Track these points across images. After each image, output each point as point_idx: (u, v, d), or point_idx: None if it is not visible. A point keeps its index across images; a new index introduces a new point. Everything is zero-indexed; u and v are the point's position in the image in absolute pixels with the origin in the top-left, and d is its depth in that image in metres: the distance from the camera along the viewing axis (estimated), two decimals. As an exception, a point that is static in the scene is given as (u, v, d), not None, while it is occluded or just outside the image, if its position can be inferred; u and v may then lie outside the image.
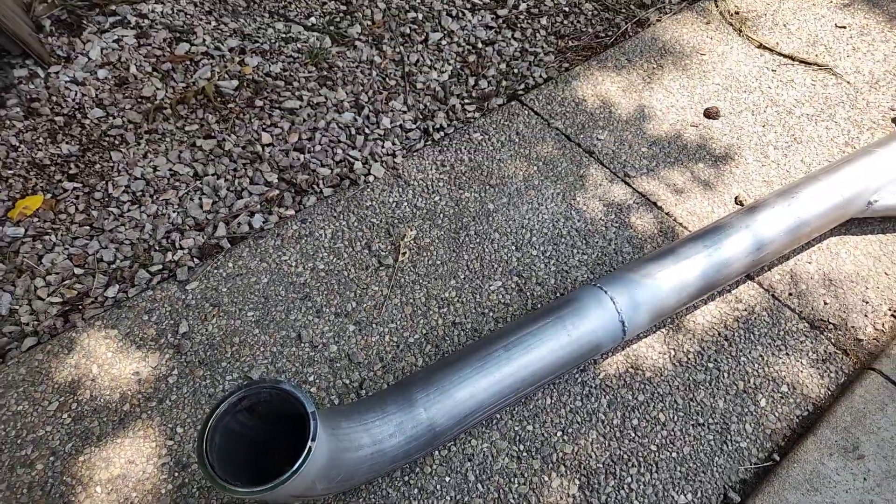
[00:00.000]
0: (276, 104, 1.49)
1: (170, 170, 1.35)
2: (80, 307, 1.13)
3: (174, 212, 1.29)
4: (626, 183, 1.40)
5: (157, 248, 1.23)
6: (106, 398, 1.02)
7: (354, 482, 0.88)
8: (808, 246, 1.29)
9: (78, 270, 1.18)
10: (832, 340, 1.17)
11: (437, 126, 1.51)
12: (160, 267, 1.21)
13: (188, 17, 1.66)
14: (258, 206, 1.30)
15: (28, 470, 0.94)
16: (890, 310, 1.21)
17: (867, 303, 1.22)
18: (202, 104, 1.47)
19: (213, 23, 1.65)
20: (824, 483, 0.97)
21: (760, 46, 1.72)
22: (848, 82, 1.64)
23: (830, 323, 1.19)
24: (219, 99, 1.48)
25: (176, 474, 0.95)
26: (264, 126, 1.43)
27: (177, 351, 1.07)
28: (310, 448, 0.70)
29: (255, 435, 0.81)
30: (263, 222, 1.28)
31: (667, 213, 1.34)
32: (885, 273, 1.26)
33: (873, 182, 1.24)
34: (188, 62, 1.55)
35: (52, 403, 1.01)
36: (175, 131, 1.42)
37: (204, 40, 1.60)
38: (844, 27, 1.80)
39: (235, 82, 1.51)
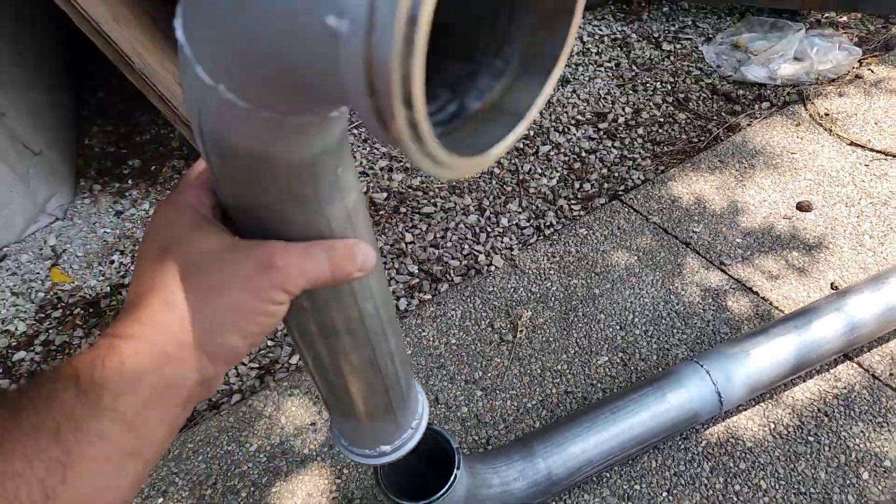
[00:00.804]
0: (416, 210, 1.83)
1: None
2: (272, 371, 1.45)
3: (337, 297, 1.62)
4: (722, 270, 1.55)
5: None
6: (291, 443, 1.30)
7: (486, 516, 1.07)
8: (909, 329, 1.35)
9: (270, 342, 1.52)
10: (938, 419, 1.21)
11: (548, 223, 1.77)
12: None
13: (351, 145, 2.10)
14: (402, 292, 1.60)
15: (235, 497, 1.23)
16: None
17: (976, 384, 1.25)
18: (357, 212, 1.84)
19: (368, 148, 2.07)
20: (932, 554, 1.01)
21: (852, 144, 1.85)
22: (947, 173, 1.71)
23: (936, 403, 1.23)
24: (372, 207, 1.85)
25: (343, 504, 1.19)
26: (407, 228, 1.77)
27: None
28: (455, 475, 0.91)
29: (409, 466, 1.04)
30: (407, 305, 1.57)
31: (762, 298, 1.47)
32: None
33: (971, 268, 1.31)
34: (346, 179, 1.96)
35: (252, 445, 1.31)
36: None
37: (361, 162, 2.01)
38: (941, 121, 1.88)
39: (385, 194, 1.89)
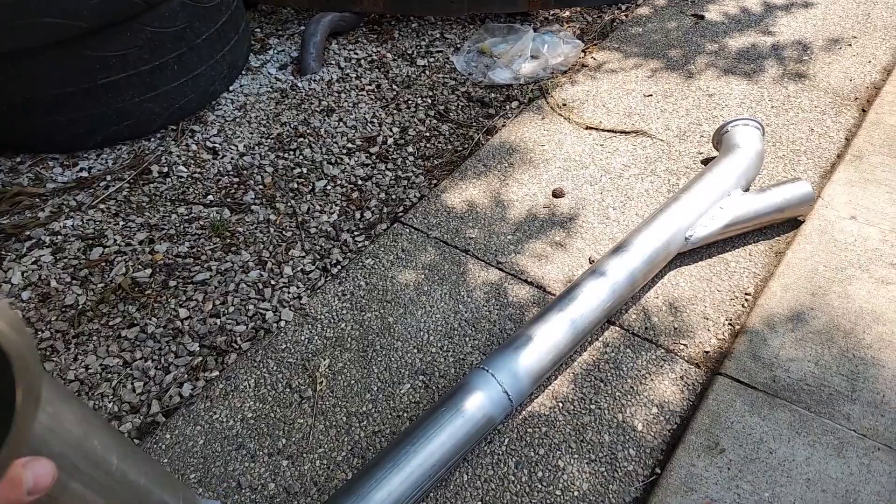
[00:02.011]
0: (189, 280, 1.69)
1: (101, 365, 1.51)
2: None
3: (110, 402, 1.43)
4: (499, 268, 1.64)
5: (102, 437, 1.37)
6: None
7: None
8: (653, 283, 1.55)
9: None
10: (685, 358, 1.39)
11: (334, 262, 1.74)
12: (107, 454, 1.34)
13: (97, 223, 1.87)
14: (185, 376, 1.46)
15: None
16: (726, 320, 1.46)
17: (707, 318, 1.46)
18: (122, 298, 1.65)
19: (122, 222, 1.87)
20: (697, 482, 1.15)
21: (587, 128, 2.07)
22: (661, 140, 1.99)
23: (681, 343, 1.42)
24: (136, 289, 1.67)
25: None
26: (180, 302, 1.63)
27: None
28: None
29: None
30: (192, 389, 1.44)
31: (536, 286, 1.58)
32: (717, 290, 1.52)
33: (685, 221, 1.53)
34: (103, 263, 1.75)
35: None
36: (100, 329, 1.59)
37: (115, 240, 1.81)
38: (651, 95, 2.19)
39: (149, 270, 1.72)
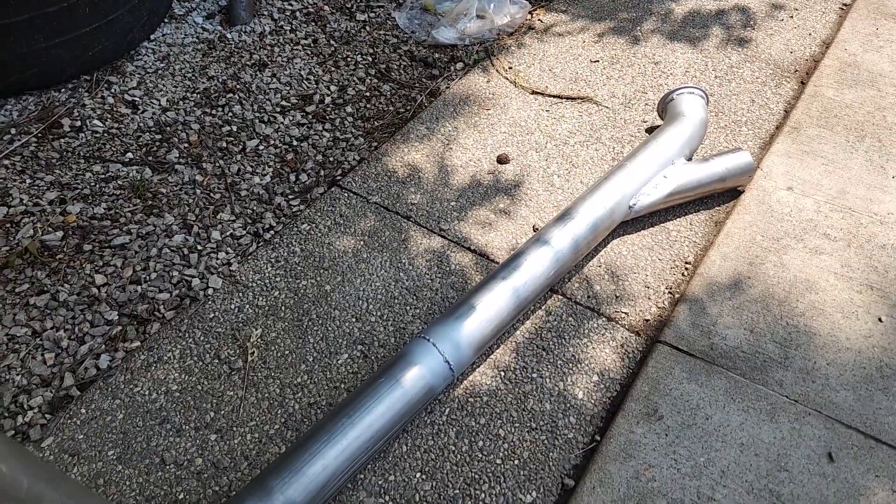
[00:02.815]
0: (106, 244, 1.55)
1: (6, 334, 1.37)
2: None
3: (18, 374, 1.30)
4: (442, 236, 1.59)
5: (7, 414, 1.25)
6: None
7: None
8: (596, 252, 1.53)
9: None
10: (626, 326, 1.39)
11: (267, 226, 1.64)
12: (13, 433, 1.22)
13: (1, 181, 1.69)
14: (102, 347, 1.35)
15: None
16: (666, 288, 1.47)
17: (648, 287, 1.47)
18: (29, 262, 1.50)
19: (28, 180, 1.69)
20: (636, 448, 1.16)
21: (534, 93, 2.03)
22: (607, 107, 1.97)
23: (622, 311, 1.42)
24: (45, 253, 1.52)
25: None
26: (97, 268, 1.49)
27: (38, 512, 1.09)
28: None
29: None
30: (111, 360, 1.33)
31: (479, 254, 1.54)
32: (658, 259, 1.53)
33: (629, 189, 1.51)
34: (8, 224, 1.58)
35: None
36: (5, 295, 1.44)
37: (21, 199, 1.64)
38: (598, 61, 2.16)
39: (60, 233, 1.56)
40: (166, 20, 2.28)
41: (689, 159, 1.64)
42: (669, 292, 1.46)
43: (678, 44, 2.23)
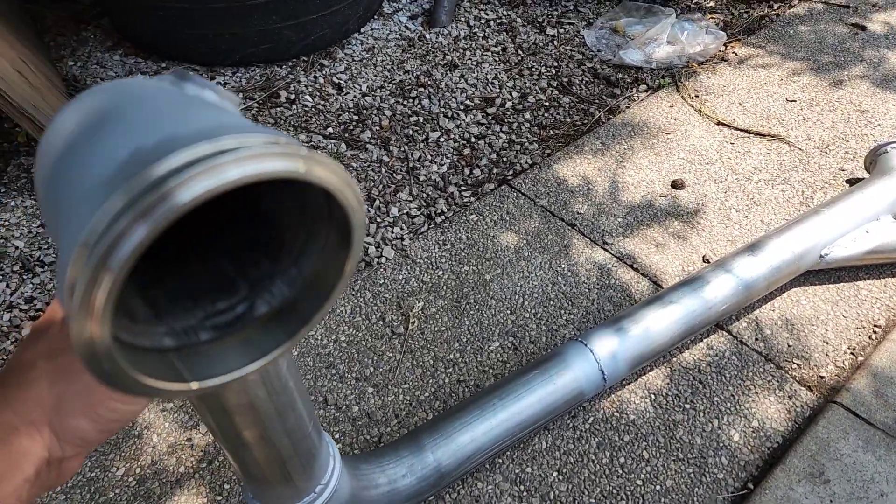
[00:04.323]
0: (300, 203, 1.74)
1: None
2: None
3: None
4: (605, 249, 1.59)
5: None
6: (165, 462, 1.19)
7: (375, 518, 1.02)
8: (770, 297, 1.45)
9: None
10: (797, 379, 1.30)
11: (439, 211, 1.74)
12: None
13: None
14: (287, 291, 1.51)
15: (99, 527, 1.11)
16: (849, 348, 1.35)
17: (827, 343, 1.36)
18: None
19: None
20: (793, 504, 1.08)
21: (719, 123, 1.96)
22: (800, 149, 1.85)
23: (795, 363, 1.33)
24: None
25: (223, 524, 1.11)
26: (290, 222, 1.68)
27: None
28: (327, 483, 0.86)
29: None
30: (292, 304, 1.49)
31: (642, 274, 1.52)
32: (843, 316, 1.41)
33: (824, 238, 1.42)
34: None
35: (119, 469, 1.18)
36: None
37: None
38: (794, 101, 2.04)
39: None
40: (376, 17, 2.51)
41: (896, 217, 1.50)
42: (852, 353, 1.34)
43: (890, 94, 2.04)
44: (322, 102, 2.08)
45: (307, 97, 2.09)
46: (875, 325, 1.39)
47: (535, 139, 1.99)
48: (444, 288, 1.51)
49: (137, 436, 1.23)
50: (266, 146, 0.25)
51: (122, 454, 1.20)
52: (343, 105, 2.07)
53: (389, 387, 1.32)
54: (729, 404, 1.26)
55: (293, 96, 2.09)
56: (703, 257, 1.55)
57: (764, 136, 1.90)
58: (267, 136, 0.26)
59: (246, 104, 2.06)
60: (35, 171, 0.31)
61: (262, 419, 0.64)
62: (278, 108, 2.05)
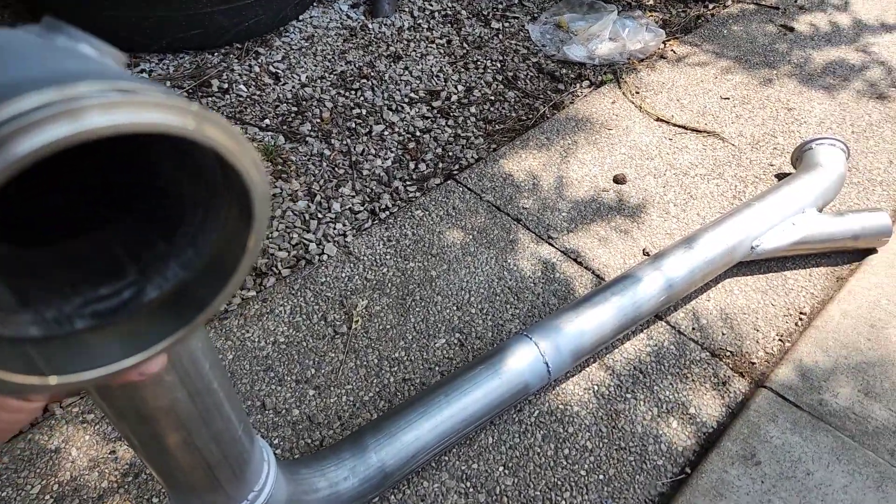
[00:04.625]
0: (237, 198, 1.67)
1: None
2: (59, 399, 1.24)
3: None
4: (550, 244, 1.60)
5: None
6: (86, 477, 1.12)
7: (316, 524, 0.99)
8: (706, 287, 1.50)
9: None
10: (730, 365, 1.35)
11: (383, 206, 1.71)
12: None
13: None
14: (223, 290, 1.45)
15: (16, 548, 1.03)
16: (777, 335, 1.41)
17: (758, 330, 1.42)
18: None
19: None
20: (728, 489, 1.12)
21: (658, 119, 2.01)
22: (733, 145, 1.92)
23: (728, 350, 1.38)
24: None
25: (155, 537, 1.05)
26: (227, 218, 1.61)
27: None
28: (261, 490, 0.83)
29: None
30: (227, 304, 1.42)
31: (585, 267, 1.54)
32: (772, 304, 1.47)
33: (754, 230, 1.47)
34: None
35: (34, 487, 1.10)
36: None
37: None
38: (728, 98, 2.11)
39: (199, 181, 1.70)
40: (315, 4, 2.44)
41: (821, 211, 1.57)
42: (780, 340, 1.40)
43: (815, 93, 2.14)
44: (258, 92, 2.00)
45: (241, 87, 2.01)
46: (801, 313, 1.46)
47: (481, 134, 1.98)
48: (389, 285, 1.49)
49: (54, 450, 1.14)
50: (149, 94, 0.22)
51: (37, 470, 1.12)
52: (281, 96, 2.00)
53: (332, 388, 1.28)
54: (668, 392, 1.29)
55: (226, 85, 2.00)
56: (644, 250, 1.59)
57: (700, 132, 1.96)
58: (152, 86, 0.23)
59: (175, 92, 1.96)
60: None
61: (184, 423, 0.61)
62: (210, 98, 1.96)
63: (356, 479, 1.01)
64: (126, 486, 1.10)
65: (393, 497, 1.12)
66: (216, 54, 2.14)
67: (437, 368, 1.33)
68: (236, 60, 2.11)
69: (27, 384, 0.25)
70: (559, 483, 1.15)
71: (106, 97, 0.20)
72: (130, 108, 0.21)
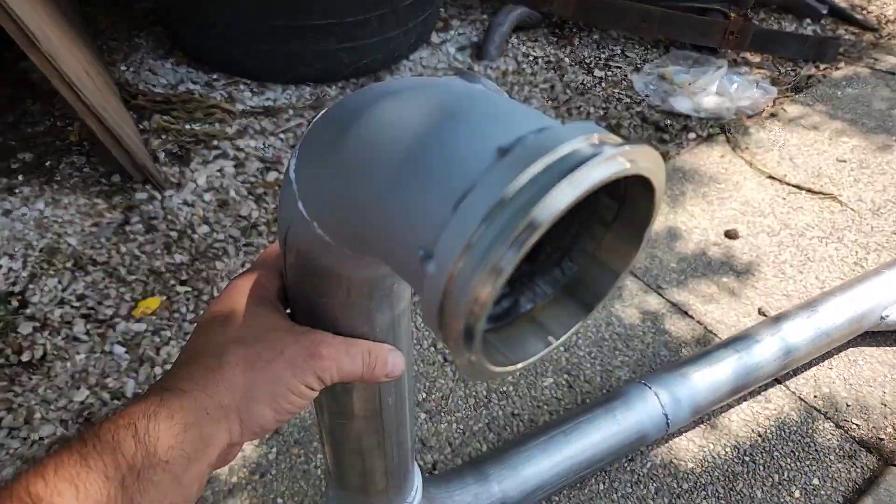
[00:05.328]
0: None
1: (264, 276, 1.58)
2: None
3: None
4: (659, 294, 1.58)
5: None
6: (216, 472, 1.17)
7: (439, 548, 1.00)
8: (828, 356, 1.44)
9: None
10: (856, 439, 1.28)
11: (490, 242, 1.74)
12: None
13: (276, 150, 1.98)
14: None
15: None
16: (909, 412, 1.33)
17: (885, 405, 1.34)
18: (291, 221, 1.73)
19: (300, 154, 1.96)
20: (862, 571, 1.05)
21: (770, 177, 1.97)
22: (852, 209, 1.86)
23: (854, 423, 1.31)
24: (305, 217, 1.74)
25: (275, 543, 1.08)
26: (344, 240, 1.68)
27: (276, 431, 1.23)
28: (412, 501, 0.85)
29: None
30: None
31: (697, 321, 1.52)
32: (901, 378, 1.40)
33: (884, 299, 1.41)
34: (277, 187, 1.84)
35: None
36: (267, 244, 1.67)
37: (287, 169, 1.90)
38: (845, 161, 2.05)
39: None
40: (425, 45, 2.56)
41: (955, 283, 1.49)
42: (912, 418, 1.33)
43: (940, 162, 2.06)
44: (377, 125, 2.10)
45: (362, 119, 2.12)
46: (935, 392, 1.37)
47: (585, 178, 2.00)
48: (497, 318, 1.51)
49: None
50: (616, 147, 0.25)
51: (174, 462, 1.18)
52: (397, 129, 2.10)
53: (442, 414, 1.30)
54: (789, 460, 1.24)
55: (349, 117, 2.12)
56: (759, 310, 1.54)
57: (816, 193, 1.91)
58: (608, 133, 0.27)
59: (296, 121, 2.09)
60: (338, 153, 0.32)
61: (383, 427, 0.64)
62: (333, 127, 2.08)
63: (478, 509, 1.02)
64: (253, 484, 1.14)
65: (504, 533, 1.11)
66: (334, 87, 2.27)
67: (545, 407, 1.33)
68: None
69: (497, 371, 0.29)
70: (674, 541, 1.12)
71: (618, 149, 0.24)
72: (611, 161, 0.24)
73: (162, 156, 1.88)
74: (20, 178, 1.81)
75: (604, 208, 0.31)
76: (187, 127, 1.99)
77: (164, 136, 1.94)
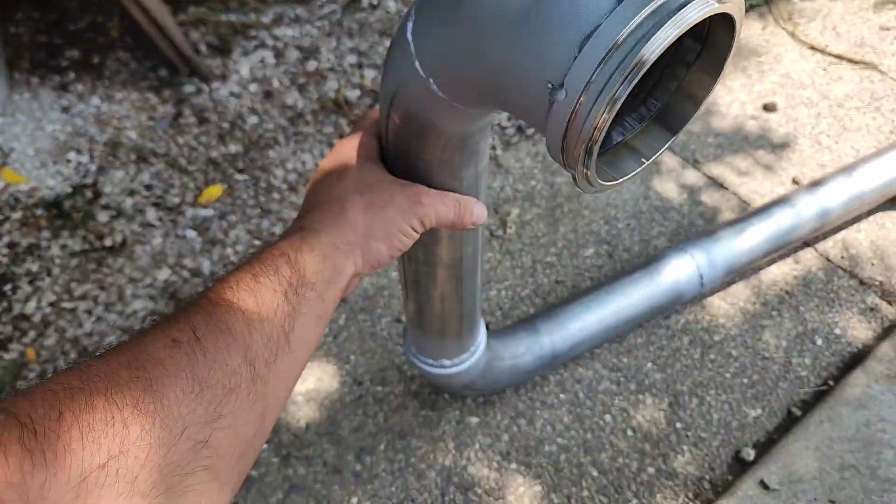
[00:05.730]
0: (395, 108, 1.79)
1: (314, 163, 1.66)
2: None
3: (323, 196, 1.59)
4: (696, 168, 1.64)
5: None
6: (294, 334, 1.32)
7: (498, 387, 1.15)
8: (856, 220, 1.50)
9: (256, 241, 1.50)
10: (878, 293, 1.38)
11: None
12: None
13: (313, 39, 1.98)
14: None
15: (242, 385, 1.25)
16: (931, 270, 1.42)
17: (910, 264, 1.43)
18: (334, 111, 1.78)
19: (334, 43, 1.97)
20: (871, 401, 1.19)
21: (812, 48, 1.94)
22: (892, 78, 1.84)
23: (877, 280, 1.40)
24: (346, 105, 1.79)
25: (354, 388, 1.25)
26: (388, 126, 1.74)
27: (343, 301, 1.37)
28: (479, 344, 0.98)
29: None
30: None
31: (732, 193, 1.58)
32: (927, 240, 1.47)
33: (916, 163, 1.45)
34: (318, 76, 1.87)
35: (253, 338, 1.32)
36: (315, 133, 1.73)
37: (328, 58, 1.92)
38: (889, 29, 1.99)
39: (358, 91, 1.82)
40: None
41: None
42: (934, 275, 1.41)
43: None
44: (405, 7, 2.08)
45: (390, 2, 2.09)
46: (959, 251, 1.45)
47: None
48: (538, 197, 1.59)
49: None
50: None
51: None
52: (431, 12, 2.07)
53: (491, 283, 1.42)
54: (814, 314, 1.35)
55: (376, 2, 2.09)
56: (793, 179, 1.60)
57: (856, 63, 1.88)
58: None
59: (330, 8, 2.07)
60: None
61: (461, 274, 0.74)
62: (361, 14, 2.06)
63: (531, 356, 1.16)
64: (328, 345, 1.30)
65: (552, 378, 1.27)
66: (363, -31, 2.21)
67: (587, 274, 1.44)
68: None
69: (606, 185, 0.36)
70: (705, 382, 1.26)
71: None
72: None
73: (203, 48, 1.91)
74: (72, 75, 1.86)
75: (686, 50, 0.37)
76: (223, 18, 1.99)
77: (202, 28, 1.95)
